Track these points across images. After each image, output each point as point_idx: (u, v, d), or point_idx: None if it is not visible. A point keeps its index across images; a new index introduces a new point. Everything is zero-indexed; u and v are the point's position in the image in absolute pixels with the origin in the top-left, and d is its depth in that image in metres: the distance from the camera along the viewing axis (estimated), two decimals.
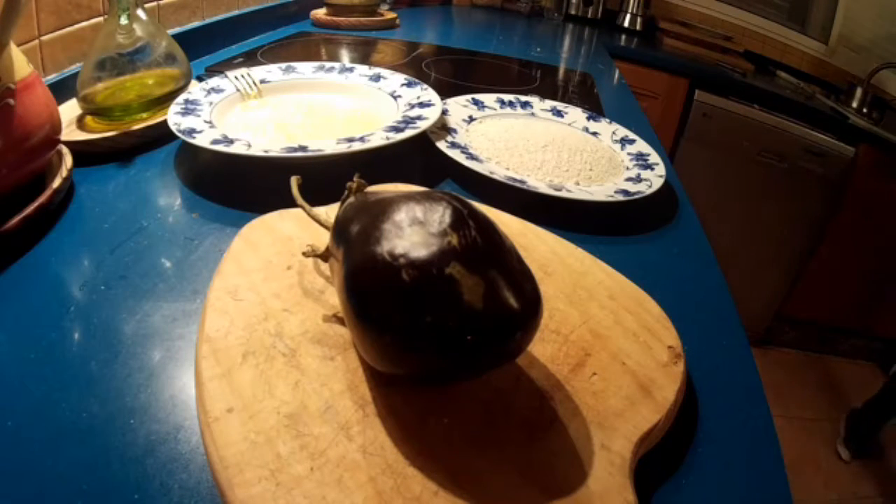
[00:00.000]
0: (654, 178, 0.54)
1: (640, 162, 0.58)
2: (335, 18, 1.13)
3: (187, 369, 0.30)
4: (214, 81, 0.60)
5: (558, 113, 0.67)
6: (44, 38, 0.59)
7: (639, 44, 1.65)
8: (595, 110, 0.70)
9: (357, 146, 0.47)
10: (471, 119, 0.63)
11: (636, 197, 0.50)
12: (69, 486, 0.24)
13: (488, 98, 0.68)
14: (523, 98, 0.69)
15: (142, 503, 0.24)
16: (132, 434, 0.26)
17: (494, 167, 0.53)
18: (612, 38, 1.62)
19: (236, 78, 0.61)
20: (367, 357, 0.25)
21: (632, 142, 0.62)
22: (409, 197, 0.26)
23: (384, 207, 0.26)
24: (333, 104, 0.62)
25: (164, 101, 0.56)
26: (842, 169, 1.50)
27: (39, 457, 0.25)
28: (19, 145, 0.39)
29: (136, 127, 0.53)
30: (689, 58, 1.62)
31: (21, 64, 0.40)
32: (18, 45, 0.42)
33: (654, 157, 0.59)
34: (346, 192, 0.31)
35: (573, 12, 1.71)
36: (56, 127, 0.43)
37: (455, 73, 0.90)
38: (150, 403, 0.28)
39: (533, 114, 0.67)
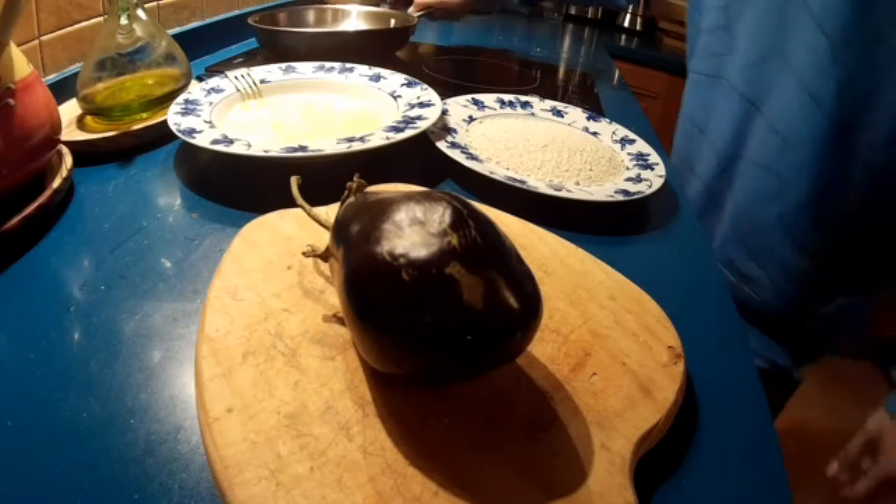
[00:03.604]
0: (654, 178, 0.54)
1: (640, 162, 0.58)
2: None
3: (187, 369, 0.30)
4: (214, 81, 0.60)
5: (558, 113, 0.67)
6: (44, 38, 0.59)
7: (639, 44, 1.65)
8: (595, 110, 0.69)
9: (357, 146, 0.47)
10: (471, 119, 0.63)
11: (636, 197, 0.50)
12: (69, 486, 0.24)
13: (488, 98, 0.68)
14: (523, 98, 0.69)
15: (142, 503, 0.24)
16: (132, 434, 0.26)
17: (494, 167, 0.53)
18: (612, 38, 1.61)
19: (236, 78, 0.61)
20: (367, 357, 0.25)
21: (632, 142, 0.62)
22: (409, 197, 0.26)
23: (384, 207, 0.26)
24: (333, 104, 0.62)
25: (164, 101, 0.56)
26: None
27: (39, 457, 0.25)
28: (19, 145, 0.39)
29: (136, 127, 0.53)
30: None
31: (21, 64, 0.40)
32: (18, 45, 0.42)
33: (654, 157, 0.59)
34: (346, 192, 0.31)
35: (573, 12, 1.71)
36: (56, 127, 0.43)
37: (455, 73, 0.90)
38: (150, 403, 0.28)
39: (533, 114, 0.67)
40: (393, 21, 0.94)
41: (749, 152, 0.63)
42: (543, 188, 0.49)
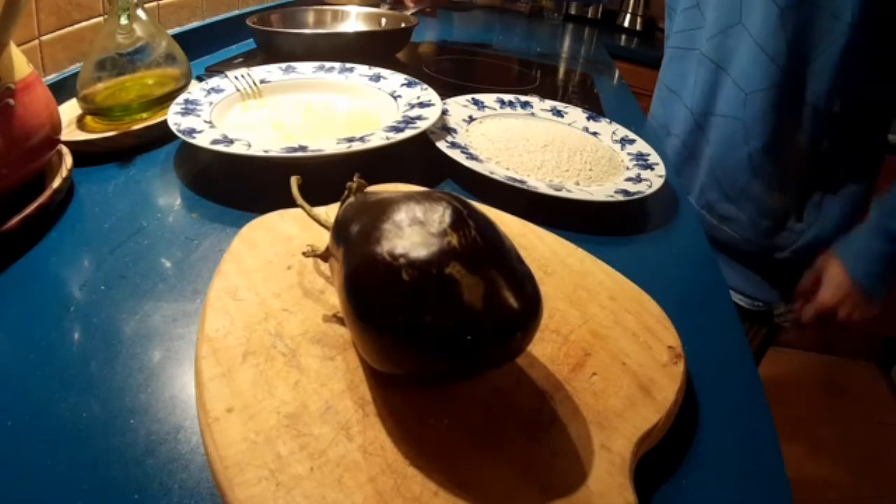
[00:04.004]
0: (654, 178, 0.54)
1: (640, 162, 0.58)
2: None
3: (187, 369, 0.30)
4: (214, 81, 0.60)
5: (558, 113, 0.67)
6: (44, 38, 0.59)
7: (639, 44, 1.65)
8: (595, 110, 0.69)
9: (357, 146, 0.47)
10: (471, 119, 0.63)
11: (636, 197, 0.50)
12: (69, 486, 0.24)
13: (488, 98, 0.68)
14: (523, 98, 0.69)
15: (142, 503, 0.24)
16: (132, 434, 0.26)
17: (494, 167, 0.53)
18: (612, 38, 1.62)
19: (236, 78, 0.61)
20: (367, 357, 0.25)
21: (632, 142, 0.62)
22: (409, 197, 0.26)
23: (384, 207, 0.26)
24: (333, 104, 0.62)
25: (164, 101, 0.56)
26: None
27: (39, 457, 0.25)
28: (19, 145, 0.39)
29: (136, 127, 0.53)
30: None
31: (21, 64, 0.40)
32: (18, 45, 0.42)
33: (654, 157, 0.59)
34: (346, 192, 0.31)
35: (573, 12, 1.71)
36: (56, 127, 0.43)
37: (455, 73, 0.90)
38: (150, 403, 0.28)
39: (533, 114, 0.67)
40: (392, 22, 0.94)
41: (718, 107, 0.73)
42: (543, 188, 0.49)
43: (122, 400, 0.28)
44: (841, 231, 0.72)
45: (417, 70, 0.84)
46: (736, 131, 0.71)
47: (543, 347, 0.30)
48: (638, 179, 0.54)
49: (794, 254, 0.73)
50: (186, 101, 0.54)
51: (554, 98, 0.71)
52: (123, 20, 0.54)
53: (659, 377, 0.29)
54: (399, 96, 0.61)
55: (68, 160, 0.46)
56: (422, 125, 0.52)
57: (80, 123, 0.55)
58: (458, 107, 0.64)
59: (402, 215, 0.25)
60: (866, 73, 0.64)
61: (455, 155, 0.52)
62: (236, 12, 0.96)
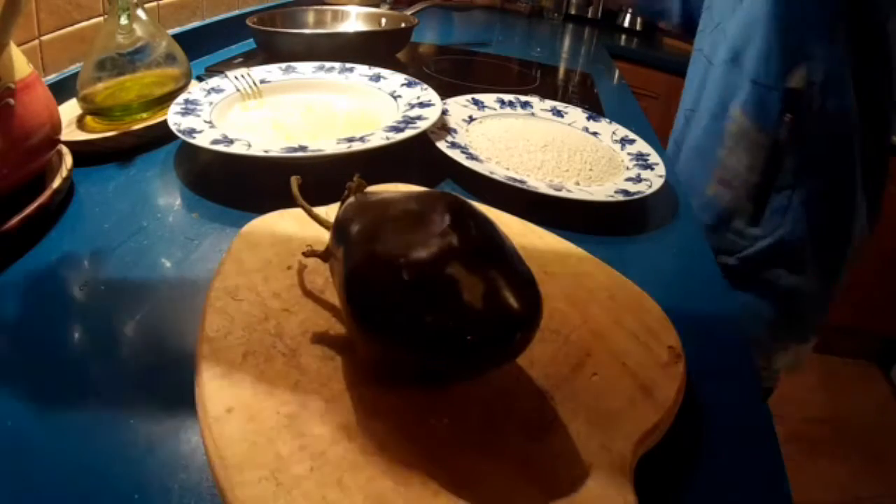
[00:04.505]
0: (654, 178, 0.54)
1: (640, 162, 0.58)
2: None
3: (187, 369, 0.30)
4: (214, 81, 0.60)
5: (558, 113, 0.67)
6: (44, 38, 0.59)
7: (639, 44, 1.65)
8: (595, 110, 0.69)
9: (357, 146, 0.47)
10: (471, 119, 0.63)
11: (636, 197, 0.50)
12: (69, 486, 0.24)
13: (488, 98, 0.68)
14: (523, 98, 0.69)
15: (142, 503, 0.24)
16: (132, 434, 0.26)
17: (494, 167, 0.53)
18: (612, 38, 1.61)
19: (236, 78, 0.61)
20: (366, 357, 0.25)
21: (632, 142, 0.62)
22: (409, 197, 0.26)
23: (384, 207, 0.26)
24: (333, 104, 0.62)
25: (164, 101, 0.56)
26: None
27: (39, 457, 0.25)
28: (19, 145, 0.39)
29: (136, 127, 0.53)
30: (689, 58, 1.61)
31: (21, 64, 0.40)
32: (18, 45, 0.42)
33: (654, 157, 0.59)
34: (346, 192, 0.31)
35: (573, 12, 1.71)
36: (56, 127, 0.43)
37: (455, 73, 0.90)
38: (150, 403, 0.28)
39: (533, 114, 0.67)
40: (392, 22, 0.94)
41: (702, 103, 0.73)
42: (543, 188, 0.49)
43: (122, 400, 0.28)
44: (813, 242, 0.64)
45: (417, 70, 0.84)
46: (693, 115, 0.70)
47: (543, 347, 0.30)
48: (638, 179, 0.54)
49: (742, 262, 0.66)
50: (186, 101, 0.54)
51: (554, 98, 0.71)
52: (123, 20, 0.54)
53: (659, 377, 0.29)
54: (399, 96, 0.61)
55: (68, 160, 0.46)
56: (422, 125, 0.52)
57: (80, 123, 0.55)
58: (458, 107, 0.64)
59: (402, 215, 0.25)
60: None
61: (455, 155, 0.52)
62: (236, 12, 0.96)
